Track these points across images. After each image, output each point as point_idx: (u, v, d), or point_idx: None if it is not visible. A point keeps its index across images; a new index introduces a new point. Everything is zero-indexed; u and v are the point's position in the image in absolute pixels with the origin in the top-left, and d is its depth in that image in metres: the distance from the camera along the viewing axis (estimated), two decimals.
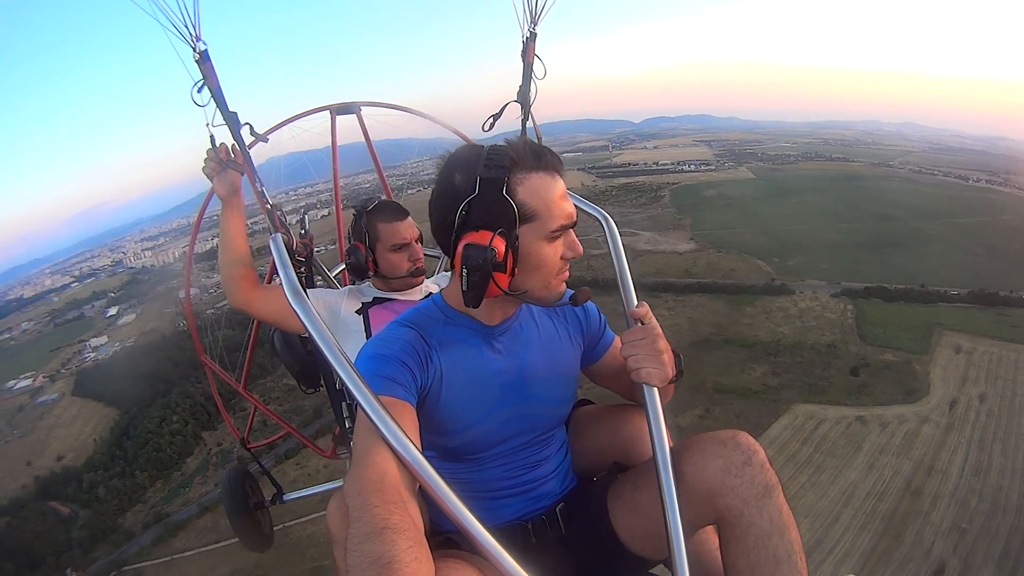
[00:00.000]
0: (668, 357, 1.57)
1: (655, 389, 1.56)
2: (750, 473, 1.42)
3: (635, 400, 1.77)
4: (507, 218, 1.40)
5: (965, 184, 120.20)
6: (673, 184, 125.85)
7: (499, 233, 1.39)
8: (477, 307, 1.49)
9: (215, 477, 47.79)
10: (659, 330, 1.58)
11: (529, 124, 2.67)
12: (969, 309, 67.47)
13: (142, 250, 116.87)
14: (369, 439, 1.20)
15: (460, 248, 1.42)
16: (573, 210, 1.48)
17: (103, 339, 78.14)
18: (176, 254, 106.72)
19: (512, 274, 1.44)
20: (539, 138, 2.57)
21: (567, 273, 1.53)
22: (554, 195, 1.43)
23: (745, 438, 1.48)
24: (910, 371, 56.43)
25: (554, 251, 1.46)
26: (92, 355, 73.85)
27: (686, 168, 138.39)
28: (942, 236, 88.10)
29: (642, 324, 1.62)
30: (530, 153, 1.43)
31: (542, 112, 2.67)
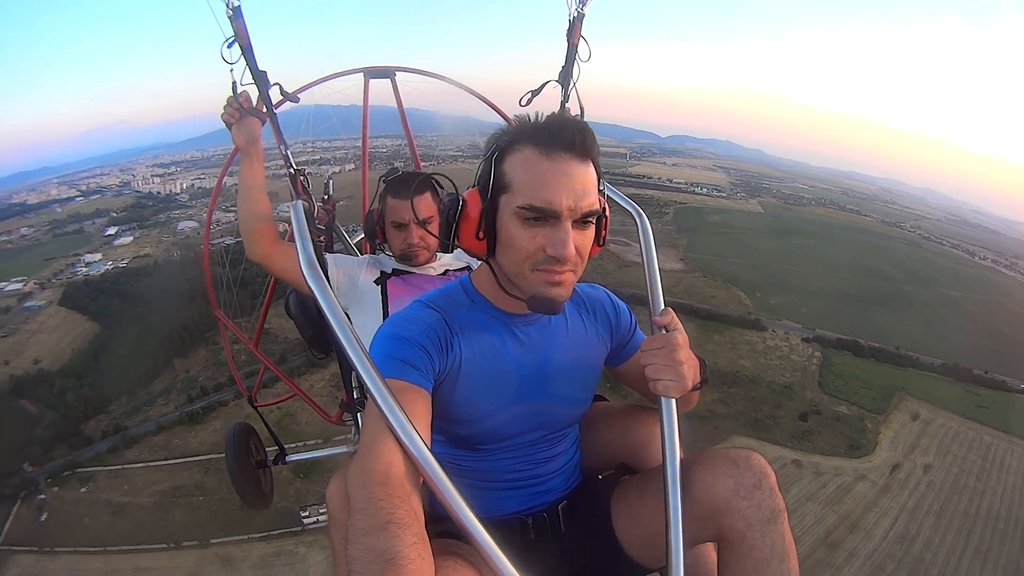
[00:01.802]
0: (689, 367, 1.51)
1: (672, 400, 1.51)
2: (759, 497, 1.39)
3: (655, 405, 1.63)
4: (485, 181, 1.40)
5: (970, 259, 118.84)
6: (680, 204, 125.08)
7: (480, 193, 1.41)
8: (449, 250, 1.59)
9: (177, 400, 52.09)
10: (681, 339, 1.52)
11: (570, 106, 2.61)
12: (939, 380, 66.84)
13: (152, 176, 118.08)
14: (376, 428, 1.19)
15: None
16: (563, 199, 1.31)
17: (98, 256, 79.77)
18: (184, 185, 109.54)
19: (479, 237, 1.42)
20: (582, 110, 2.57)
21: (559, 276, 1.37)
22: (536, 172, 1.33)
23: (758, 460, 1.44)
24: (860, 427, 56.27)
25: (529, 236, 1.35)
26: (84, 270, 75.62)
27: (697, 190, 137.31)
28: (931, 304, 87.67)
29: (666, 331, 1.55)
30: (541, 128, 1.35)
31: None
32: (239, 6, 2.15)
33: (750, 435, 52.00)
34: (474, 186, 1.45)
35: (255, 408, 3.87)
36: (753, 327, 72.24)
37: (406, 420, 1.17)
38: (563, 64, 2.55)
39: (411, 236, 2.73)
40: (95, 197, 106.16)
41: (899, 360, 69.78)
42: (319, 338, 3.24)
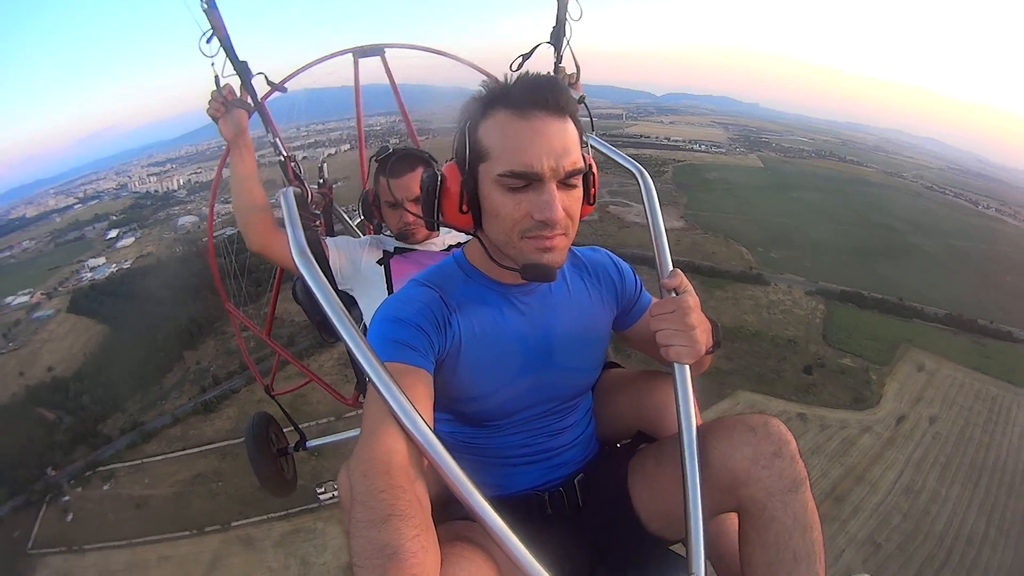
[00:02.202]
0: (701, 331, 1.44)
1: (685, 367, 1.45)
2: (779, 465, 1.33)
3: (668, 369, 1.56)
4: (462, 151, 1.36)
5: (974, 208, 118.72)
6: (679, 162, 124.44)
7: (458, 166, 1.37)
8: (434, 228, 1.52)
9: (190, 392, 53.48)
10: (692, 301, 1.45)
11: (564, 66, 2.54)
12: (944, 331, 66.56)
13: (147, 175, 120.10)
14: (377, 414, 1.15)
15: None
16: (543, 161, 1.26)
17: (101, 260, 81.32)
18: (181, 181, 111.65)
19: (463, 211, 1.38)
20: (577, 69, 2.49)
21: (549, 241, 1.33)
22: (512, 136, 1.27)
23: (777, 426, 1.37)
24: (865, 379, 55.98)
25: (514, 203, 1.30)
26: (89, 275, 77.07)
27: (696, 148, 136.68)
28: (935, 255, 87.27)
29: (675, 294, 1.48)
30: (510, 89, 1.30)
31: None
32: None
33: (755, 390, 51.94)
34: (451, 159, 1.40)
35: (272, 397, 3.85)
36: (756, 282, 72.21)
37: (407, 403, 1.15)
38: (554, 24, 2.46)
39: (405, 215, 2.68)
40: (93, 202, 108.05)
41: (903, 311, 69.54)
42: (327, 323, 2.55)
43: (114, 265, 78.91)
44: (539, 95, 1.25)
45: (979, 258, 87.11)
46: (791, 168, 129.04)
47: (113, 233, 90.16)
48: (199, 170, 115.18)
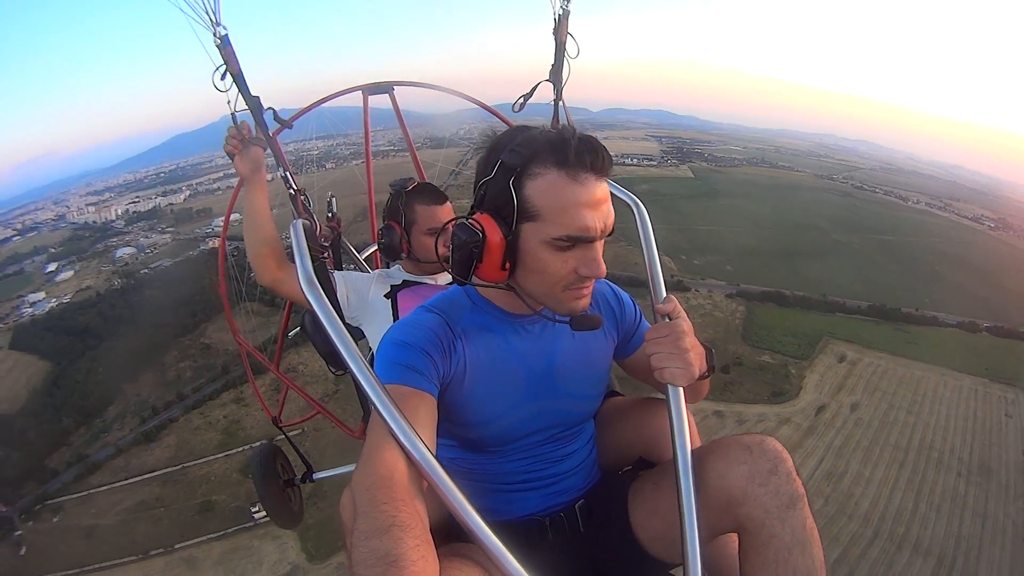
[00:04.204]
0: (695, 355, 1.46)
1: (679, 389, 1.47)
2: (775, 482, 1.33)
3: (664, 393, 1.59)
4: (508, 209, 1.32)
5: (903, 204, 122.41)
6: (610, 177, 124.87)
7: (498, 221, 1.33)
8: (466, 282, 1.43)
9: (131, 423, 54.70)
10: (686, 326, 1.48)
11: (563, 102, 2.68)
12: (867, 321, 68.21)
13: (85, 205, 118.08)
14: (380, 434, 1.17)
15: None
16: (596, 223, 1.29)
17: (41, 295, 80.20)
18: (119, 211, 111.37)
19: (504, 268, 1.36)
20: (568, 121, 2.67)
21: (586, 290, 1.38)
22: (568, 200, 1.27)
23: (772, 444, 1.38)
24: (784, 374, 57.37)
25: (561, 262, 1.32)
26: (29, 310, 76.36)
27: (628, 162, 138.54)
28: (861, 250, 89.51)
29: (669, 320, 1.52)
30: (558, 148, 1.29)
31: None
32: (226, 34, 2.14)
33: None
34: (478, 208, 1.38)
35: (280, 428, 3.87)
36: (676, 289, 71.68)
37: (407, 426, 1.16)
38: (552, 62, 2.57)
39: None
40: (32, 234, 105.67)
41: (826, 306, 71.05)
42: (336, 355, 2.67)
43: (54, 300, 78.41)
44: (590, 158, 1.26)
45: (906, 250, 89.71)
46: (721, 177, 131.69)
47: (52, 267, 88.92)
48: (137, 199, 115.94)
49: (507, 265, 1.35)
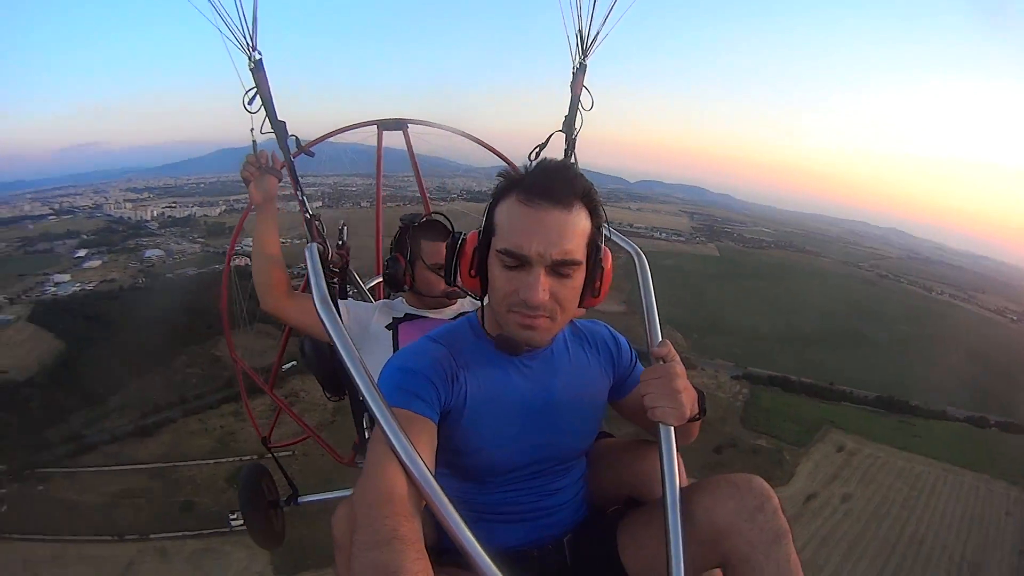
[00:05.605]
0: (687, 397, 1.49)
1: (670, 428, 1.52)
2: (761, 519, 1.37)
3: (657, 438, 1.61)
4: (484, 224, 1.47)
5: (926, 295, 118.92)
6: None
7: (479, 234, 1.49)
8: (451, 284, 1.57)
9: (131, 415, 55.18)
10: (679, 369, 1.51)
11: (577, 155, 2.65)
12: (872, 412, 66.08)
13: (124, 200, 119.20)
14: (382, 452, 1.22)
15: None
16: (533, 245, 1.35)
17: (66, 276, 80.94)
18: (155, 213, 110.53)
19: (472, 276, 1.52)
20: (576, 160, 2.61)
21: (531, 320, 1.42)
22: (514, 218, 1.38)
23: (759, 483, 1.44)
24: (777, 459, 55.85)
25: (506, 279, 1.41)
26: (53, 289, 77.18)
27: (657, 235, 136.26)
28: (876, 340, 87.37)
29: (663, 362, 1.53)
30: (525, 177, 1.42)
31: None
32: (261, 59, 2.21)
33: None
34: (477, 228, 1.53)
35: (268, 449, 3.91)
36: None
37: (411, 447, 1.21)
38: (567, 114, 2.57)
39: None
40: (67, 217, 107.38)
41: (831, 395, 68.92)
42: (333, 381, 3.31)
43: (78, 284, 79.14)
44: (545, 185, 1.36)
45: (923, 341, 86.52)
46: (747, 258, 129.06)
47: (82, 252, 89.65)
48: (174, 204, 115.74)
49: (473, 272, 1.49)
